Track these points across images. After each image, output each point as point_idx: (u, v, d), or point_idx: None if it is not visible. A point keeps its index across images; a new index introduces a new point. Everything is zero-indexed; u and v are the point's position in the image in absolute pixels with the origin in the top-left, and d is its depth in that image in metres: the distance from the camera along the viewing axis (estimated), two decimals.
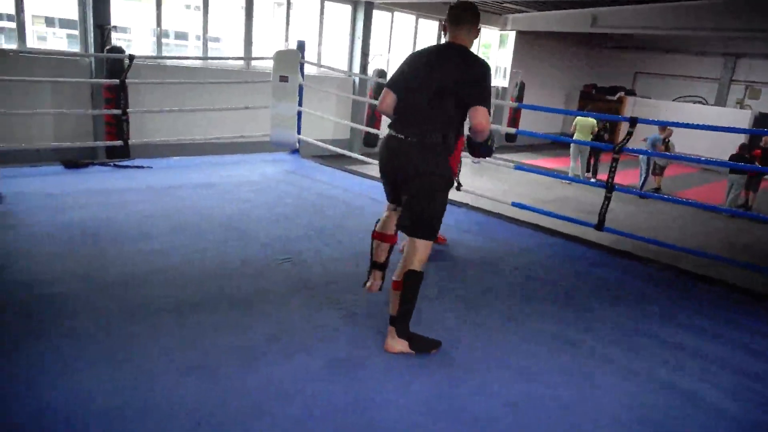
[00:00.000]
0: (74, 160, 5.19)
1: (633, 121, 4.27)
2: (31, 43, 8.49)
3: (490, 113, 2.54)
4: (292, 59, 6.10)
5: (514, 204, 4.88)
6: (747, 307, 3.61)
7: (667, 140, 11.75)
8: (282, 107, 6.15)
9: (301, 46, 6.60)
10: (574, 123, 12.13)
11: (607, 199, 4.33)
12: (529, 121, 16.61)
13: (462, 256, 3.98)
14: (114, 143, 5.89)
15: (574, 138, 11.79)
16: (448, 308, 3.11)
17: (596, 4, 13.21)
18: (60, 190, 4.61)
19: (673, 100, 17.63)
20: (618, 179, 4.44)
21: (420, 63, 2.65)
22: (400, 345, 2.58)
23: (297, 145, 6.58)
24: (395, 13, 12.99)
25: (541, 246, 4.39)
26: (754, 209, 10.84)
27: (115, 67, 8.54)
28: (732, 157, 10.81)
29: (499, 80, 16.48)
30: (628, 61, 18.89)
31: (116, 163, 5.41)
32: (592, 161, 13.22)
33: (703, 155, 15.10)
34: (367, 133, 12.46)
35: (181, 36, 10.58)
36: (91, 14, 8.63)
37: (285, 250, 3.69)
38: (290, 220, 4.34)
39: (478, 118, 2.48)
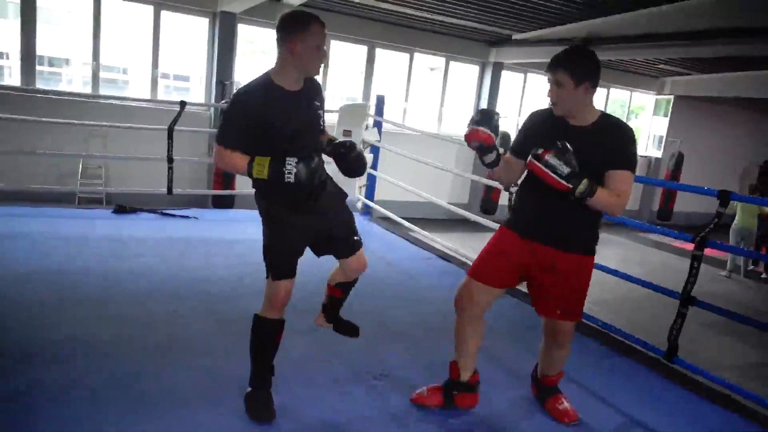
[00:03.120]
0: (124, 206, 5.16)
1: (723, 197, 2.90)
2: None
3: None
4: (358, 114, 5.67)
5: None
6: None
7: None
8: None
9: (379, 101, 6.13)
10: (735, 202, 10.03)
11: (681, 316, 2.99)
12: (689, 197, 14.29)
13: None
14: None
15: (735, 220, 9.71)
16: None
17: None
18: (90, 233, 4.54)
19: None
20: None
21: None
22: None
23: (358, 204, 6.08)
24: (528, 74, 12.15)
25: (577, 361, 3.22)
26: None
27: None
28: None
29: (652, 150, 14.57)
30: None
31: (163, 210, 5.29)
32: (763, 251, 10.79)
33: None
34: (486, 198, 11.57)
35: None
36: (215, 70, 9.16)
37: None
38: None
39: None
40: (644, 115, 14.75)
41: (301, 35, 2.13)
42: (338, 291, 2.66)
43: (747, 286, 9.73)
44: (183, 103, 5.24)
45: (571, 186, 2.11)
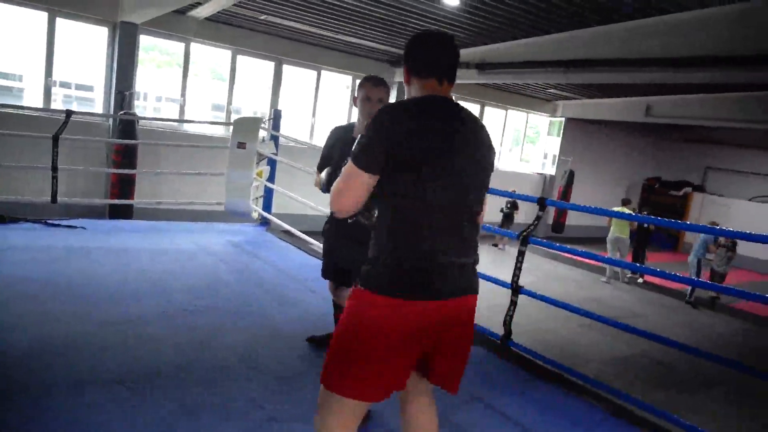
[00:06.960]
0: (2, 216, 5.06)
1: (541, 203, 3.47)
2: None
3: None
4: (252, 127, 5.86)
5: None
6: None
7: (730, 242, 10.36)
8: (236, 175, 5.85)
9: (276, 115, 6.37)
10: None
11: (513, 303, 3.47)
12: (579, 212, 15.48)
13: None
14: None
15: (610, 231, 10.70)
16: None
17: (650, 92, 12.38)
18: None
19: (750, 200, 15.89)
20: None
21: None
22: None
23: (254, 214, 6.23)
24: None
25: None
26: None
27: (126, 128, 8.81)
28: None
29: (549, 167, 15.69)
30: (698, 154, 17.42)
31: (47, 221, 5.23)
32: (629, 259, 11.90)
33: None
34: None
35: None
36: (114, 80, 9.05)
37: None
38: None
39: None
40: (540, 136, 15.87)
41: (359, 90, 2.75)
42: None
43: (624, 290, 10.70)
44: (69, 112, 5.24)
45: None
